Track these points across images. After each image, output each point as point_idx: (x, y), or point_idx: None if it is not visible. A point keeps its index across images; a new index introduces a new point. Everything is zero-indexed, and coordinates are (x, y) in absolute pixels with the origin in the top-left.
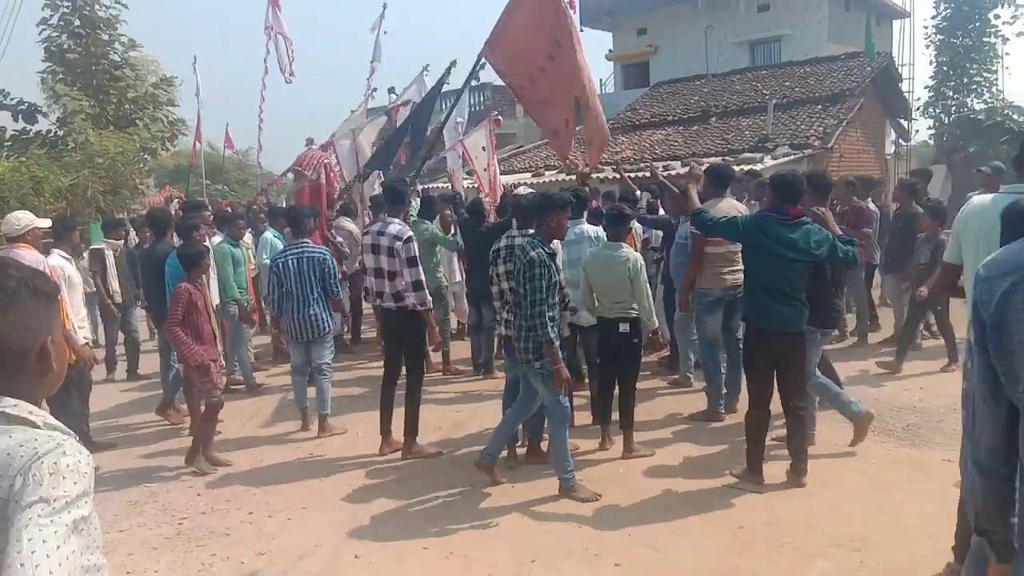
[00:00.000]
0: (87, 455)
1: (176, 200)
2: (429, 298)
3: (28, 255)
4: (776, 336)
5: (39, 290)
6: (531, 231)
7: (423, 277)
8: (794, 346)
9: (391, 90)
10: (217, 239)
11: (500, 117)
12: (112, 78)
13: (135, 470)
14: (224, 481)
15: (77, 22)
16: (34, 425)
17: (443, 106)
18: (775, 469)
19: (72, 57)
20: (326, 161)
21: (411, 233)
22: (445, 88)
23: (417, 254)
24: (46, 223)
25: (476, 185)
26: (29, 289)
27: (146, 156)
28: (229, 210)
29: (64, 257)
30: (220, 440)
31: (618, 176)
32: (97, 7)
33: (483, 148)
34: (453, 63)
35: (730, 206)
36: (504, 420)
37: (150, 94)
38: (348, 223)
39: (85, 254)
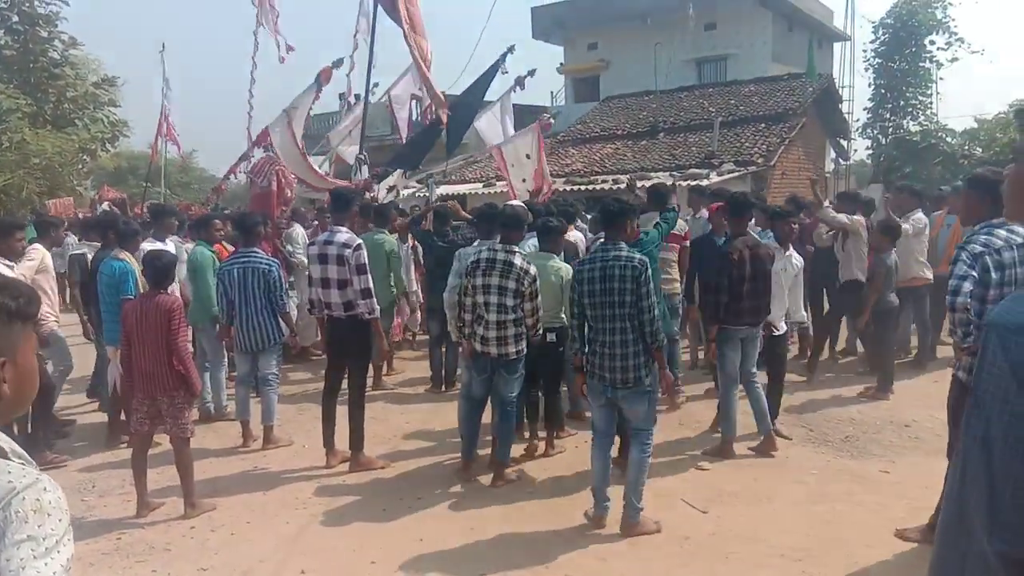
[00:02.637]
0: (62, 491)
1: (107, 204)
2: (378, 306)
3: None
4: None
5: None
6: (515, 247)
7: (372, 285)
8: None
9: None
10: (189, 245)
11: (552, 120)
12: (51, 76)
13: (71, 484)
14: (164, 494)
15: (15, 18)
16: (2, 453)
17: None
18: (726, 482)
19: (9, 53)
20: (278, 168)
21: (360, 241)
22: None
23: (366, 262)
24: None
25: (508, 191)
26: None
27: (85, 157)
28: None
29: (7, 264)
30: (160, 452)
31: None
32: (37, 3)
33: (527, 156)
34: (511, 49)
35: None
36: (594, 465)
37: (90, 94)
38: (300, 231)
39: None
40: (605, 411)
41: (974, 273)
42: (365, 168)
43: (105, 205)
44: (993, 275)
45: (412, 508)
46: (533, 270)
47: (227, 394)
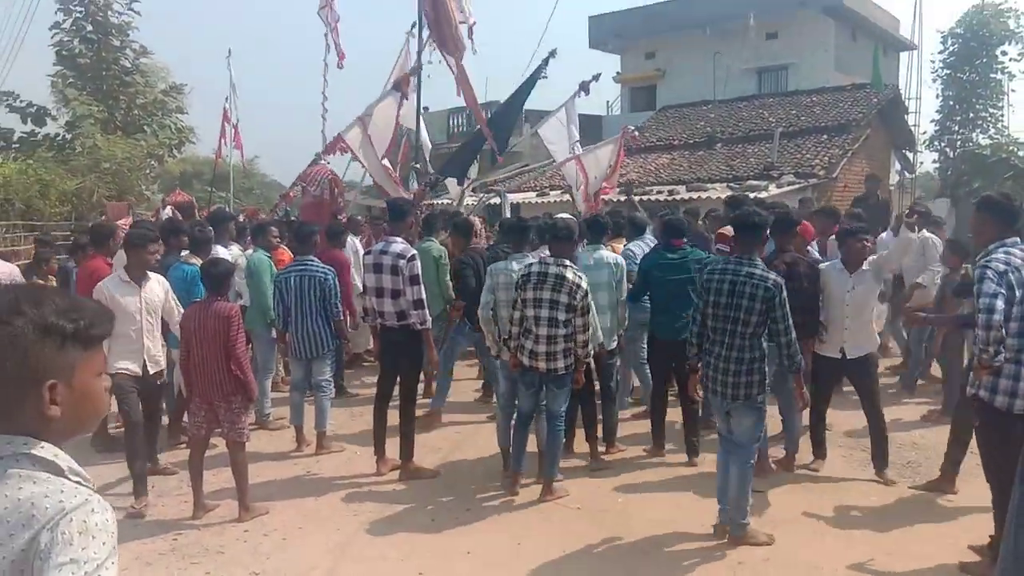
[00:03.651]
0: (111, 511)
1: (170, 208)
2: (429, 317)
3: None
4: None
5: (52, 329)
6: (566, 260)
7: (424, 296)
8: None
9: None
10: (248, 251)
11: (636, 133)
12: (122, 84)
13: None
14: (219, 496)
15: (89, 27)
16: (59, 471)
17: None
18: (781, 505)
19: (83, 62)
20: (330, 177)
21: (414, 252)
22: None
23: (420, 272)
24: None
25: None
26: (39, 327)
27: (153, 162)
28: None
29: (124, 281)
30: (215, 454)
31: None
32: (110, 13)
33: (609, 165)
34: (552, 53)
35: None
36: (719, 470)
37: (159, 101)
38: (352, 241)
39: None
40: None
41: (1003, 291)
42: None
43: (168, 210)
44: (1017, 292)
45: (460, 519)
46: (585, 284)
47: (269, 400)
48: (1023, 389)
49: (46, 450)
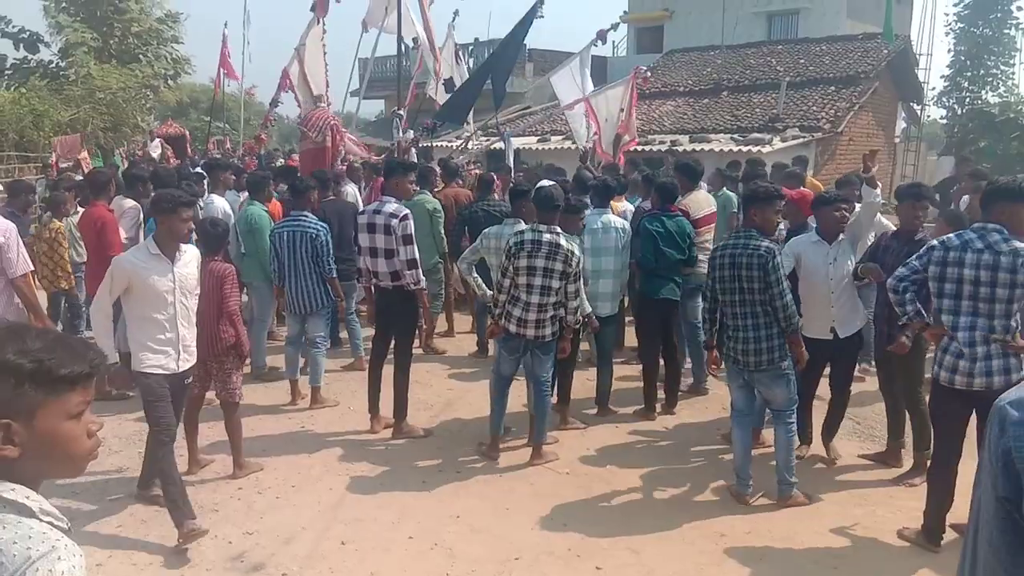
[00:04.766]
0: (80, 556)
1: (159, 141)
2: (423, 278)
3: None
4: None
5: (6, 367)
6: (557, 227)
7: (418, 256)
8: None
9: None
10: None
11: (649, 74)
12: (116, 10)
13: (127, 434)
14: (214, 449)
15: None
16: (30, 512)
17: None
18: (764, 477)
19: None
20: (333, 123)
21: (407, 212)
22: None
23: (412, 232)
24: None
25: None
26: None
27: (148, 92)
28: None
29: (153, 255)
30: (213, 406)
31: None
32: None
33: (621, 110)
34: None
35: (703, 197)
36: (735, 444)
37: (154, 29)
38: (352, 190)
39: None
40: (743, 392)
41: (916, 263)
42: (417, 131)
43: (156, 143)
44: (932, 268)
45: (450, 482)
46: (578, 250)
47: (265, 352)
48: (963, 366)
49: (17, 492)
